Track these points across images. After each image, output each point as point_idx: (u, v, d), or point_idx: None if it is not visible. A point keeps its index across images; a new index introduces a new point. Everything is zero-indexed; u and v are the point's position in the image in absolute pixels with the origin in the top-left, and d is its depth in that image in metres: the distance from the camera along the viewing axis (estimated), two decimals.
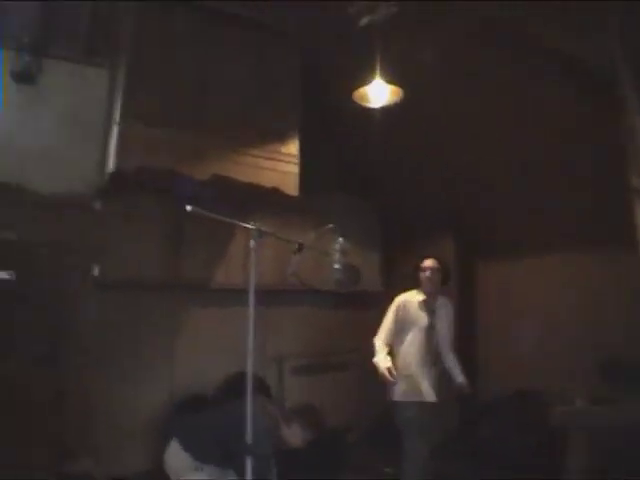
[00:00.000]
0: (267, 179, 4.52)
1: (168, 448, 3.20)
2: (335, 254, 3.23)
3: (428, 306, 4.29)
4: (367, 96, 4.42)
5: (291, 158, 4.71)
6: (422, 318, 4.27)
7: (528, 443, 4.73)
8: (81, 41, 4.90)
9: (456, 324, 5.65)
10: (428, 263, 4.30)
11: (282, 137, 4.68)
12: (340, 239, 3.23)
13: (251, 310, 2.78)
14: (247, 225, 2.78)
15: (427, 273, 4.27)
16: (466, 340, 5.80)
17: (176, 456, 3.14)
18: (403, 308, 4.33)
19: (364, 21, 4.38)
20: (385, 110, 4.59)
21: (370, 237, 6.03)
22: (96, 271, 4.75)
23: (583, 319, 4.95)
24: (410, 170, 5.88)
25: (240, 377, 4.88)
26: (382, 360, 4.20)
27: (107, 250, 4.76)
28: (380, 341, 4.32)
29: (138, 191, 4.68)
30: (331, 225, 3.51)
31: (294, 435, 3.31)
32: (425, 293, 4.31)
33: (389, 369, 4.14)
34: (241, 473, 2.62)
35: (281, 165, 4.63)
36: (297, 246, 3.10)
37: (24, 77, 4.50)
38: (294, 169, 4.70)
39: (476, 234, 5.88)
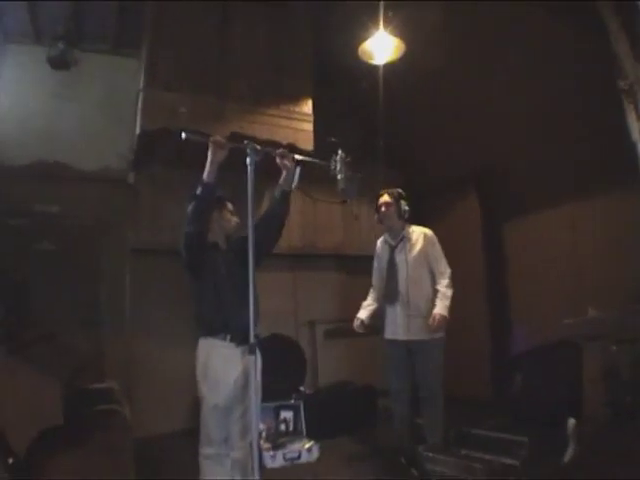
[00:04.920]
0: (283, 136, 4.77)
1: None
2: (337, 165, 3.01)
3: (388, 242, 4.28)
4: (370, 52, 4.63)
5: (305, 117, 4.98)
6: (384, 255, 4.29)
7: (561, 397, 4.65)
8: (111, 34, 5.44)
9: (483, 280, 5.80)
10: (380, 200, 4.24)
11: (297, 98, 4.97)
12: (339, 151, 3.05)
13: (250, 238, 2.62)
14: (239, 145, 2.73)
15: (381, 209, 4.22)
16: (497, 295, 5.88)
17: None
18: (376, 251, 4.41)
19: None
20: (395, 67, 4.79)
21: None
22: (131, 239, 5.17)
23: (616, 266, 4.83)
24: (428, 128, 5.99)
25: (273, 339, 5.23)
26: (360, 312, 4.25)
27: (141, 219, 5.20)
28: (369, 297, 4.35)
29: (168, 162, 5.08)
30: (333, 139, 3.48)
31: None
32: (386, 230, 4.31)
33: (359, 319, 4.18)
34: None
35: (296, 123, 4.91)
36: (292, 157, 3.06)
37: (59, 63, 5.04)
38: (309, 127, 4.96)
39: (499, 188, 5.93)
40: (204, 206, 2.96)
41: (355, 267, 6.35)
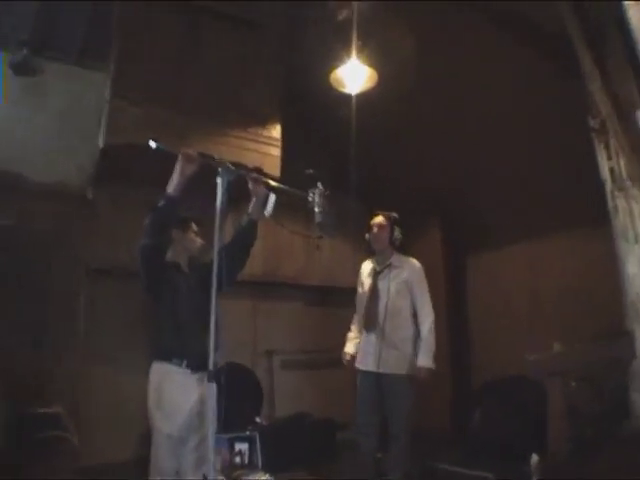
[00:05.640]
0: (250, 160, 4.66)
1: None
2: (315, 197, 2.87)
3: (373, 267, 4.14)
4: (342, 80, 4.63)
5: (273, 141, 4.91)
6: (367, 280, 4.14)
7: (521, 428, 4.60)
8: (79, 45, 5.29)
9: (444, 313, 5.74)
10: (374, 220, 4.09)
11: (265, 121, 4.90)
12: (319, 184, 2.93)
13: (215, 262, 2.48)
14: (210, 159, 2.66)
15: (373, 230, 4.07)
16: (457, 329, 5.88)
17: None
18: (360, 275, 4.26)
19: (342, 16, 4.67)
20: (365, 96, 4.78)
21: (356, 234, 5.99)
22: (88, 257, 4.95)
23: (576, 302, 4.88)
24: (394, 160, 6.01)
25: (228, 368, 5.06)
26: (347, 346, 4.16)
27: (99, 237, 4.99)
28: (353, 327, 4.23)
29: (130, 180, 4.93)
30: (311, 170, 3.18)
31: None
32: (375, 253, 4.14)
33: (347, 354, 4.11)
34: None
35: (264, 147, 4.83)
36: (266, 183, 2.92)
37: (22, 69, 4.83)
38: (276, 152, 4.89)
39: (462, 223, 5.97)
40: (164, 220, 2.83)
41: (315, 297, 6.30)
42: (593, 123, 3.29)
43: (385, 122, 5.47)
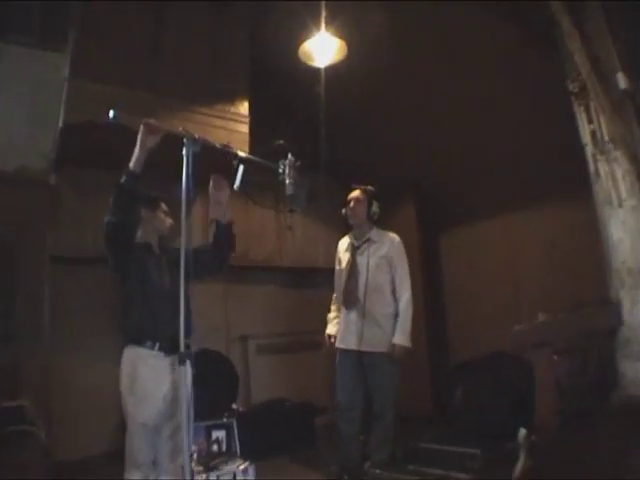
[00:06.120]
0: (217, 137, 4.44)
1: None
2: (286, 169, 2.71)
3: (351, 242, 4.04)
4: (310, 53, 4.48)
5: (241, 118, 4.73)
6: (345, 256, 4.04)
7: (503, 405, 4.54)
8: (38, 26, 5.03)
9: (422, 288, 5.66)
10: (351, 194, 3.98)
11: (232, 97, 4.72)
12: (289, 155, 2.77)
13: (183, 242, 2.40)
14: (175, 132, 2.52)
15: (350, 204, 3.95)
16: (434, 303, 5.82)
17: None
18: (338, 251, 4.16)
19: None
20: (334, 69, 4.64)
21: (329, 212, 5.84)
22: (51, 246, 4.72)
23: (557, 272, 4.83)
24: (366, 136, 5.88)
25: (202, 355, 4.92)
26: (328, 328, 4.07)
27: (62, 225, 4.79)
28: (333, 307, 4.14)
29: (93, 164, 4.73)
30: (281, 141, 2.96)
31: None
32: (352, 228, 4.05)
33: (330, 336, 4.01)
34: None
35: (231, 124, 4.64)
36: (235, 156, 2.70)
37: None
38: (244, 128, 4.70)
39: (436, 198, 5.88)
40: (128, 196, 2.66)
41: (289, 279, 6.19)
42: (572, 87, 3.21)
43: (357, 96, 5.33)
